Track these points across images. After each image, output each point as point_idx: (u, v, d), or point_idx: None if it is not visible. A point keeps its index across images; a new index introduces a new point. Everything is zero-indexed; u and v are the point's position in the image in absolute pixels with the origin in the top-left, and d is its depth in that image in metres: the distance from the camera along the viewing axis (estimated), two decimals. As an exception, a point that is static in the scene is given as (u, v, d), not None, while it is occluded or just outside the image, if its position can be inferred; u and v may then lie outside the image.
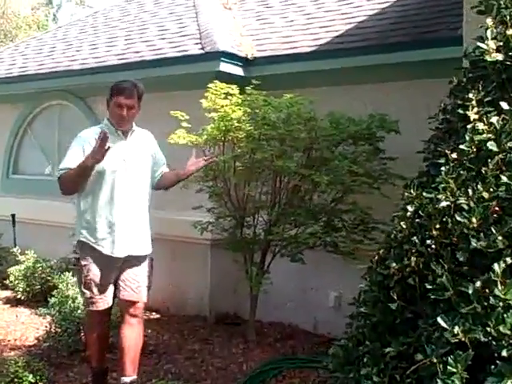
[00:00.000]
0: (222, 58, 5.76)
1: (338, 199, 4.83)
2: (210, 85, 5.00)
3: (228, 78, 5.42)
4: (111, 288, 3.81)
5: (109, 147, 3.43)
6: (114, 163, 3.70)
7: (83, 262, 3.75)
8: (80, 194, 3.77)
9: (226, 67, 5.78)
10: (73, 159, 3.65)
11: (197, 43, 6.20)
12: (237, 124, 4.79)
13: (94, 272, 3.74)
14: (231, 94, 5.01)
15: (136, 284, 3.81)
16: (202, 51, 5.96)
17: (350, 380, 2.12)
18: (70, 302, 4.88)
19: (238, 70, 5.89)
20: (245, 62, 5.92)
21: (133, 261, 3.81)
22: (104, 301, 3.79)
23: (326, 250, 4.81)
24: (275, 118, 4.59)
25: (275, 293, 5.32)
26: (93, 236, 3.73)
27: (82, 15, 11.99)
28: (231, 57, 5.84)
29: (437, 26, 5.20)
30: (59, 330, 4.70)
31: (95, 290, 3.75)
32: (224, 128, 4.82)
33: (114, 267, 3.78)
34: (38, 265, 6.37)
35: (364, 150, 4.83)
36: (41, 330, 5.20)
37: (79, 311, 4.73)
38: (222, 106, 4.88)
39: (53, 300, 4.97)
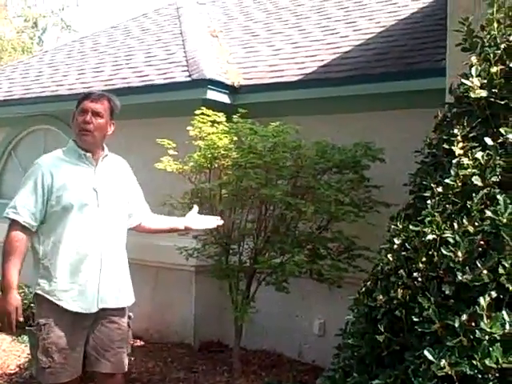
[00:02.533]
0: (209, 86, 5.80)
1: (323, 227, 4.86)
2: (196, 111, 5.04)
3: (215, 106, 5.44)
4: (80, 355, 3.03)
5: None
6: (83, 196, 3.03)
7: (42, 321, 2.98)
8: (37, 234, 3.09)
9: (212, 95, 5.82)
10: (25, 201, 3.01)
11: (184, 70, 6.25)
12: (223, 152, 4.82)
13: (57, 334, 2.96)
14: (218, 122, 5.04)
15: (112, 351, 3.09)
16: (189, 78, 6.01)
17: (337, 412, 2.13)
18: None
19: (224, 98, 5.93)
20: (231, 89, 5.97)
21: (107, 317, 3.09)
22: (67, 371, 2.97)
23: (312, 277, 4.82)
24: (261, 147, 4.62)
25: (260, 320, 5.31)
26: (53, 287, 3.01)
27: (69, 40, 12.04)
28: (218, 84, 5.88)
29: (421, 57, 5.31)
30: (42, 358, 4.65)
31: (56, 356, 2.93)
32: (210, 156, 4.85)
33: (82, 327, 3.03)
34: (21, 291, 6.27)
35: (349, 179, 4.88)
36: (22, 358, 5.15)
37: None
38: (209, 134, 4.90)
39: (35, 327, 4.91)
